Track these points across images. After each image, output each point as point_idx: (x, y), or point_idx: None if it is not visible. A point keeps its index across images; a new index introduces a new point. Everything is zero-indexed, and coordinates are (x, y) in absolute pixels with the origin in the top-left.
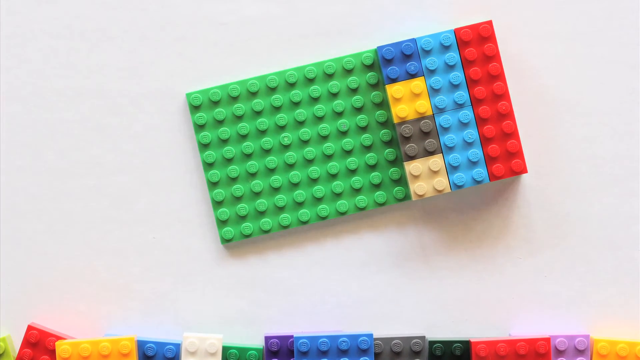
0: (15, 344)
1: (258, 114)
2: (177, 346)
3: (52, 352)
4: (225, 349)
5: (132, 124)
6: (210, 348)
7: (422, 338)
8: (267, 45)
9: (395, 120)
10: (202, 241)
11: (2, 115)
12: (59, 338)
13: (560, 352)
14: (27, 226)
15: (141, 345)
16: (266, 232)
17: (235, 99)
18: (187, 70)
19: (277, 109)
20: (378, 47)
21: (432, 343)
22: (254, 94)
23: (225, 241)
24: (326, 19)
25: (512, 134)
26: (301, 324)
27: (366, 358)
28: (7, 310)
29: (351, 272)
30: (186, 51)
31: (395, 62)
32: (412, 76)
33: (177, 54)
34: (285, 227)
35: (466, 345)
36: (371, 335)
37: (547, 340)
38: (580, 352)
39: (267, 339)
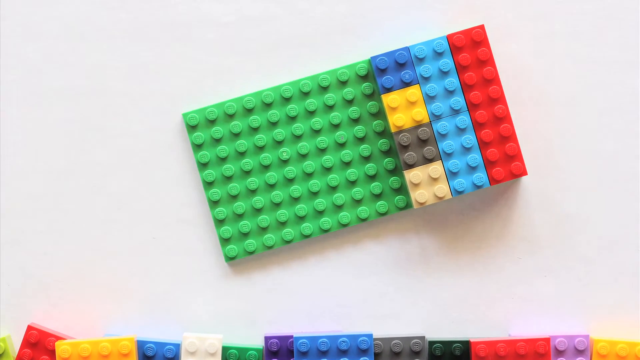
0: (15, 344)
1: (255, 130)
2: (177, 346)
3: (51, 352)
4: (225, 349)
5: (132, 126)
6: (210, 348)
7: (422, 338)
8: (268, 46)
9: (393, 130)
10: (202, 241)
11: (2, 115)
12: (58, 338)
13: (560, 352)
14: (27, 226)
15: (141, 345)
16: (269, 247)
17: (231, 116)
18: (188, 69)
19: (274, 124)
20: (372, 57)
21: (431, 343)
22: (250, 111)
23: (229, 259)
24: (325, 19)
25: (510, 137)
26: (301, 324)
27: (366, 358)
28: (7, 311)
29: (351, 273)
30: (185, 51)
31: (389, 71)
32: (407, 84)
33: (176, 54)
34: (288, 242)
35: (466, 345)
36: (371, 335)
37: (546, 340)
38: (580, 352)
39: (267, 339)
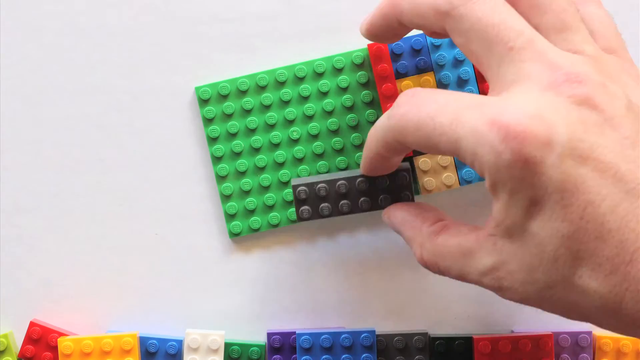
0: (18, 340)
1: (267, 108)
2: (180, 342)
3: (54, 349)
4: (228, 345)
5: (137, 120)
6: (212, 344)
7: (425, 334)
8: (271, 42)
9: None
10: (205, 238)
11: (4, 112)
12: (61, 334)
13: (562, 349)
14: (30, 223)
15: (143, 341)
16: (274, 226)
17: (244, 92)
18: (190, 66)
19: (286, 103)
20: None
21: (434, 339)
22: (263, 88)
23: (234, 235)
24: (331, 14)
25: None
26: (303, 321)
27: (369, 354)
28: (9, 307)
29: (354, 269)
30: (189, 48)
31: (404, 57)
32: (422, 71)
33: (180, 51)
34: (293, 222)
35: (468, 341)
36: (374, 331)
37: (549, 336)
38: (583, 349)
39: (269, 335)
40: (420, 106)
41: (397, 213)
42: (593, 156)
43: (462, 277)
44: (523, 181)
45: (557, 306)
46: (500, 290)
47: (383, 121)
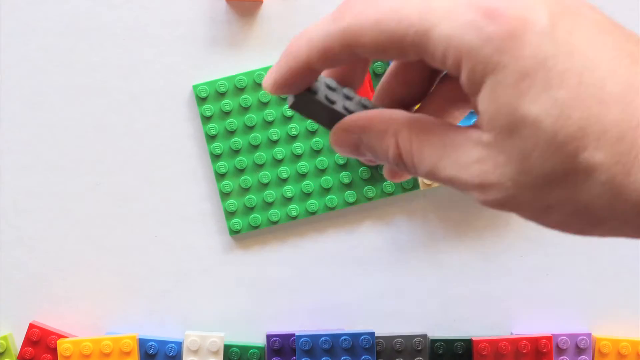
0: (17, 342)
1: (265, 105)
2: (179, 344)
3: (53, 351)
4: (227, 347)
5: (136, 120)
6: (212, 346)
7: (424, 336)
8: (270, 42)
9: None
10: (204, 238)
11: (4, 114)
12: (60, 336)
13: (561, 351)
14: (29, 224)
15: (143, 343)
16: (274, 223)
17: (242, 90)
18: (189, 66)
19: (284, 100)
20: None
21: (434, 341)
22: (260, 85)
23: (234, 232)
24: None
25: None
26: (303, 322)
27: (368, 356)
28: (9, 309)
29: (353, 270)
30: (187, 48)
31: None
32: None
33: (179, 51)
34: (293, 218)
35: (468, 343)
36: (373, 333)
37: (548, 338)
38: (582, 351)
39: (268, 337)
40: (379, 2)
41: (354, 118)
42: (586, 17)
43: (433, 174)
44: (510, 54)
45: (554, 208)
46: (481, 188)
47: (324, 26)
